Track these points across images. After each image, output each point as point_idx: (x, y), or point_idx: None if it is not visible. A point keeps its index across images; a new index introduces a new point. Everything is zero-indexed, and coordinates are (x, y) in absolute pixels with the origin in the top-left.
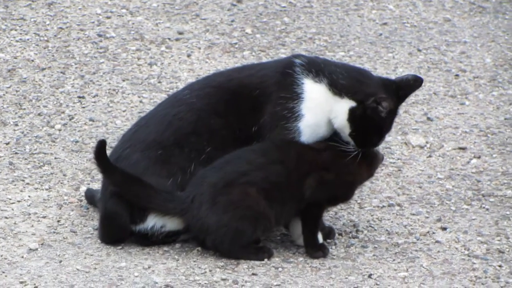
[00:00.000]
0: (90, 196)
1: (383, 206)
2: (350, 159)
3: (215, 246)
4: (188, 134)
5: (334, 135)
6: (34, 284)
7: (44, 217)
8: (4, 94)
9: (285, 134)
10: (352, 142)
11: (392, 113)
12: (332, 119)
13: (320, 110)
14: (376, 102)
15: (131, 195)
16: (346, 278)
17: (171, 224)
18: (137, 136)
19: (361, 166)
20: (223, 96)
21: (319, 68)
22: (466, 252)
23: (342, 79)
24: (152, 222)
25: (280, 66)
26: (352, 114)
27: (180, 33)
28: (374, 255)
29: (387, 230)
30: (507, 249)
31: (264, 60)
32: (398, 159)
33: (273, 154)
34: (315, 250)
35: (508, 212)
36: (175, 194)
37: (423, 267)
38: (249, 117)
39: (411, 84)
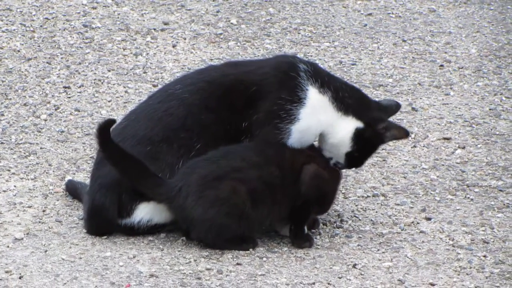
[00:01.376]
0: (72, 188)
1: (368, 196)
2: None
3: (199, 239)
4: (178, 130)
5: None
6: (20, 274)
7: (29, 206)
8: None
9: (275, 133)
10: (337, 159)
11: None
12: (327, 133)
13: (317, 120)
14: (385, 129)
15: (124, 173)
16: (331, 268)
17: (158, 217)
18: (127, 131)
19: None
20: (216, 91)
21: (324, 80)
22: (451, 242)
23: (348, 97)
24: (140, 216)
25: (282, 67)
26: (358, 135)
27: (166, 24)
28: (358, 245)
29: (371, 220)
30: (492, 239)
31: (249, 50)
32: (383, 149)
33: (269, 154)
34: (303, 241)
35: (492, 203)
36: (165, 181)
37: (408, 257)
38: (241, 113)
39: (394, 110)
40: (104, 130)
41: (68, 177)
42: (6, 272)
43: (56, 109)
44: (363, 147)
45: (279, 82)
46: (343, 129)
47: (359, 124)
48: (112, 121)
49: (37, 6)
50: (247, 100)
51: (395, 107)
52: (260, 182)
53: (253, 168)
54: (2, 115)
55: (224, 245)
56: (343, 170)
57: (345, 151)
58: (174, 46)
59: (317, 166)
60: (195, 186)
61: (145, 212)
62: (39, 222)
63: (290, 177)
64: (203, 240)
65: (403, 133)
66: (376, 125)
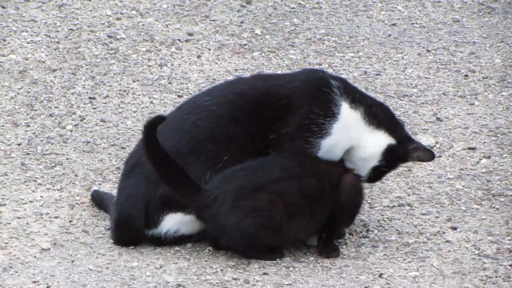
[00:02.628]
0: (97, 198)
1: (394, 206)
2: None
3: (228, 246)
4: (206, 142)
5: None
6: (47, 284)
7: (56, 217)
8: (15, 95)
9: (305, 147)
10: (360, 171)
11: None
12: (356, 147)
13: (348, 136)
14: (414, 149)
15: (162, 175)
16: (357, 277)
17: (185, 228)
18: None
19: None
20: (245, 104)
21: (355, 96)
22: (477, 252)
23: (380, 113)
24: (167, 226)
25: (314, 82)
26: (390, 151)
27: (190, 34)
28: (384, 254)
29: (397, 230)
30: None
31: (274, 61)
32: None
33: (307, 165)
34: (331, 251)
35: None
36: (201, 188)
37: (434, 266)
38: (269, 126)
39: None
40: (152, 127)
41: (94, 187)
42: (34, 282)
43: (81, 120)
44: (390, 163)
45: (312, 98)
46: (375, 143)
47: (391, 140)
48: (162, 119)
49: (61, 17)
50: (275, 113)
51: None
52: (299, 194)
53: (292, 179)
54: (28, 126)
55: (252, 254)
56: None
57: (372, 164)
58: (198, 57)
59: (354, 176)
60: (232, 195)
61: (172, 223)
62: (66, 232)
63: (328, 188)
64: (232, 247)
65: (429, 156)
66: (407, 144)
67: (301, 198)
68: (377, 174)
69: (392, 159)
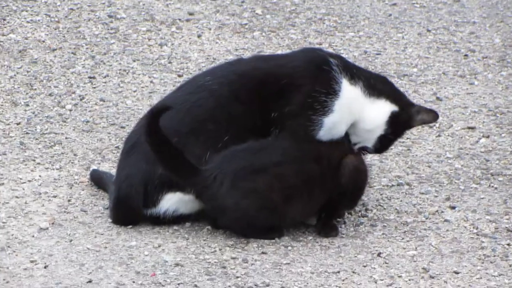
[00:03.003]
0: (96, 177)
1: (392, 185)
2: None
3: (226, 226)
4: (206, 121)
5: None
6: (45, 263)
7: (54, 196)
8: (15, 75)
9: (307, 125)
10: (366, 143)
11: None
12: (361, 119)
13: (350, 111)
14: (418, 112)
15: (161, 160)
16: (355, 256)
17: (184, 208)
18: None
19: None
20: (246, 83)
21: (353, 72)
22: (475, 231)
23: (378, 83)
24: (166, 206)
25: (315, 61)
26: (394, 118)
27: (191, 14)
28: (383, 233)
29: (396, 209)
30: None
31: (274, 40)
32: (407, 138)
33: (307, 149)
34: (330, 230)
35: None
36: (200, 170)
37: (432, 245)
38: (271, 104)
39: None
40: (157, 115)
41: (93, 167)
42: (31, 261)
43: (81, 99)
44: (395, 130)
45: (313, 76)
46: (378, 113)
47: (394, 107)
48: (167, 108)
49: None
50: (277, 92)
51: None
52: (299, 178)
53: (292, 163)
54: (27, 105)
55: (251, 234)
56: (368, 160)
57: (379, 134)
58: (199, 36)
59: (356, 159)
60: (231, 176)
61: (171, 203)
62: (64, 212)
63: (328, 172)
64: (231, 227)
65: (433, 116)
66: (410, 108)
67: (300, 182)
68: (384, 143)
69: (397, 125)
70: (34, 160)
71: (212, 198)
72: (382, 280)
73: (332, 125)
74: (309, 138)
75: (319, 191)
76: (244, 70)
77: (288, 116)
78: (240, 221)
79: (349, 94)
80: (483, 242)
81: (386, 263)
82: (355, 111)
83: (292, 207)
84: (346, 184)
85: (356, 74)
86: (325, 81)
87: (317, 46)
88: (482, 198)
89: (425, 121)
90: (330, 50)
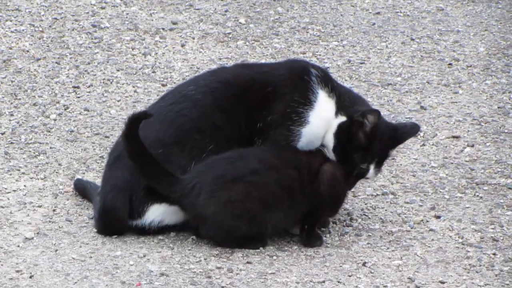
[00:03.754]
0: (80, 187)
1: (377, 195)
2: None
3: (209, 236)
4: (191, 131)
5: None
6: (30, 273)
7: (39, 206)
8: None
9: (287, 135)
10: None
11: (380, 138)
12: (326, 135)
13: (324, 124)
14: (362, 116)
15: (140, 169)
16: (341, 266)
17: (169, 218)
18: (139, 133)
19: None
20: (230, 91)
21: (332, 86)
22: (460, 240)
23: (346, 101)
24: (151, 217)
25: (297, 71)
26: (339, 129)
27: (174, 23)
28: (368, 243)
29: (381, 219)
30: (501, 237)
31: (258, 49)
32: None
33: (286, 156)
34: (315, 240)
35: (501, 200)
36: (179, 179)
37: (417, 255)
38: (256, 114)
39: (408, 130)
40: (135, 121)
41: (78, 176)
42: (17, 271)
43: (65, 109)
44: (345, 140)
45: (294, 85)
46: (332, 128)
47: (343, 119)
48: (147, 115)
49: (45, 6)
50: (262, 100)
51: (409, 127)
52: (278, 185)
53: (271, 170)
54: (12, 115)
55: (233, 244)
56: None
57: (331, 147)
58: (183, 46)
59: (333, 166)
60: (209, 185)
61: (157, 214)
62: (49, 221)
63: (307, 179)
64: (213, 238)
65: (376, 114)
66: (354, 114)
67: (279, 189)
68: (340, 155)
69: (344, 135)
70: (18, 170)
71: (191, 207)
72: None
73: (310, 136)
74: (291, 146)
75: (299, 199)
76: (227, 78)
77: (270, 125)
78: (220, 231)
79: (324, 106)
80: (468, 251)
81: (371, 272)
82: (327, 125)
83: (272, 215)
84: (324, 191)
85: (333, 88)
86: (303, 91)
87: (301, 55)
88: (467, 208)
89: (373, 122)
90: (314, 59)
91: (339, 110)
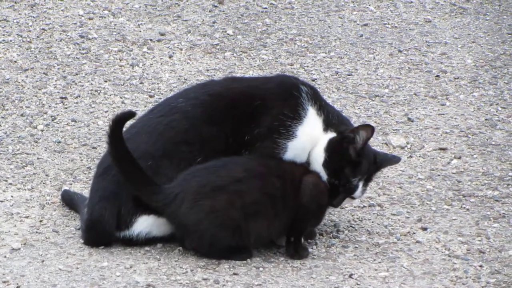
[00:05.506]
0: (67, 198)
1: (364, 206)
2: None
3: (193, 247)
4: (179, 143)
5: None
6: (17, 284)
7: (26, 217)
8: None
9: (273, 147)
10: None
11: (368, 158)
12: (311, 151)
13: (310, 139)
14: (354, 132)
15: (124, 174)
16: (327, 278)
17: (157, 230)
18: (129, 145)
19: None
20: (220, 104)
21: (321, 104)
22: (447, 252)
23: (334, 119)
24: (139, 228)
25: (287, 85)
26: (330, 143)
27: (162, 34)
28: (354, 255)
29: (367, 230)
30: (488, 249)
31: (246, 61)
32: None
33: (270, 166)
34: (302, 251)
35: (488, 213)
36: (162, 187)
37: (404, 267)
38: (244, 126)
39: (389, 158)
40: (119, 122)
41: (65, 187)
42: (4, 282)
43: (53, 120)
44: (336, 155)
45: (283, 99)
46: (320, 143)
47: (333, 134)
48: (131, 114)
49: (33, 17)
50: (251, 113)
51: (391, 157)
52: (261, 194)
53: (254, 179)
54: None
55: (218, 254)
56: None
57: (321, 162)
58: (170, 57)
59: (316, 177)
60: (192, 194)
61: (145, 225)
62: (36, 232)
63: (290, 189)
64: (196, 248)
65: (369, 130)
66: (345, 131)
67: (262, 198)
68: (330, 171)
69: (335, 150)
70: (6, 181)
71: (173, 216)
72: None
73: (296, 150)
74: (273, 156)
75: (282, 208)
76: (217, 91)
77: (257, 138)
78: (202, 241)
79: (312, 122)
80: (455, 263)
81: (357, 284)
82: (313, 141)
83: (256, 225)
84: (307, 202)
85: (322, 106)
86: (292, 106)
87: (288, 67)
88: (454, 220)
89: (366, 137)
90: (302, 71)
91: (328, 126)
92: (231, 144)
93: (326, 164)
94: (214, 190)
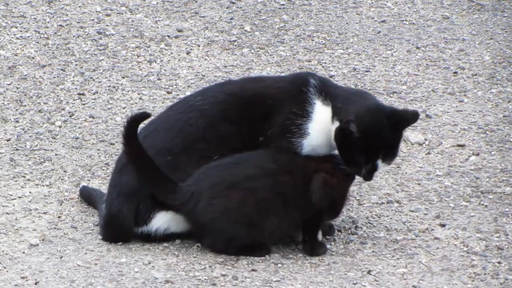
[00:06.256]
0: (86, 194)
1: (382, 203)
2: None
3: (210, 247)
4: (197, 141)
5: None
6: (35, 280)
7: (45, 213)
8: (4, 91)
9: (289, 147)
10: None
11: (375, 135)
12: (330, 141)
13: (323, 132)
14: (345, 123)
15: (140, 173)
16: (345, 274)
17: (175, 226)
18: (147, 141)
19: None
20: (236, 103)
21: (328, 92)
22: (465, 249)
23: (340, 102)
24: (157, 224)
25: (296, 82)
26: (336, 134)
27: (180, 31)
28: (373, 251)
29: (386, 227)
30: (506, 246)
31: (263, 57)
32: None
33: (283, 162)
34: (319, 248)
35: (507, 209)
36: (179, 186)
37: (422, 263)
38: (259, 126)
39: (408, 117)
40: (134, 122)
41: (83, 183)
42: (22, 278)
43: (70, 116)
44: (343, 144)
45: (292, 97)
46: (332, 133)
47: (337, 124)
48: (146, 115)
49: (51, 13)
50: (264, 113)
51: (410, 114)
52: (273, 191)
53: (266, 176)
54: (17, 121)
55: (236, 252)
56: (358, 179)
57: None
58: (188, 53)
59: (325, 173)
60: (206, 193)
61: (163, 221)
62: (55, 228)
63: (301, 187)
64: (214, 247)
65: (353, 122)
66: (342, 120)
67: (274, 195)
68: (345, 159)
69: (341, 140)
70: (24, 177)
71: (190, 215)
72: None
73: (312, 146)
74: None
75: (294, 205)
76: (233, 90)
77: (271, 138)
78: (219, 239)
79: (321, 116)
80: (473, 260)
81: (376, 280)
82: (328, 132)
83: (268, 221)
84: (316, 200)
85: (329, 94)
86: (300, 103)
87: (306, 63)
88: (472, 216)
89: (356, 129)
90: (319, 67)
91: (334, 115)
92: (247, 144)
93: (340, 154)
94: (227, 188)
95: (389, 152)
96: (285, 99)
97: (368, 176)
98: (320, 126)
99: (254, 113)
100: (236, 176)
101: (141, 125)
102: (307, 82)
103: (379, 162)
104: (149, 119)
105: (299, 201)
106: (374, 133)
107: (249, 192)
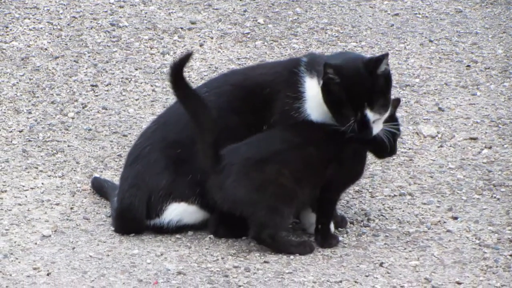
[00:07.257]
0: (98, 185)
1: (395, 195)
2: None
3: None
4: None
5: None
6: (48, 271)
7: (57, 204)
8: (17, 82)
9: None
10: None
11: (355, 81)
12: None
13: (322, 106)
14: (323, 70)
15: (192, 115)
16: (358, 266)
17: (188, 218)
18: (157, 134)
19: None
20: (239, 94)
21: (314, 63)
22: (477, 242)
23: (321, 65)
24: (169, 216)
25: (289, 65)
26: (322, 92)
27: (193, 23)
28: (385, 243)
29: (398, 219)
30: None
31: (276, 50)
32: (410, 148)
33: (307, 135)
34: (330, 240)
35: None
36: (218, 154)
37: (434, 256)
38: (262, 115)
39: (379, 56)
40: (179, 67)
41: (95, 175)
42: (34, 269)
43: (83, 107)
44: (328, 102)
45: (285, 81)
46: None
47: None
48: (188, 55)
49: (64, 5)
50: (263, 102)
51: (380, 56)
52: (301, 163)
53: (293, 149)
54: (30, 113)
55: (281, 245)
56: (370, 170)
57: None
58: (201, 45)
59: (356, 144)
60: (238, 167)
61: (175, 213)
62: (67, 219)
63: (326, 156)
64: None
65: (331, 66)
66: (319, 72)
67: (303, 166)
68: (336, 118)
69: (325, 97)
70: (36, 168)
71: (217, 187)
72: None
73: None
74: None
75: (320, 175)
76: (237, 80)
77: (275, 126)
78: (261, 215)
79: (312, 92)
80: (485, 252)
81: (388, 273)
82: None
83: (302, 191)
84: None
85: (313, 66)
86: (292, 85)
87: None
88: (485, 209)
89: (334, 73)
90: None
91: (319, 80)
92: (254, 133)
93: (331, 114)
94: (260, 162)
95: (375, 99)
96: (279, 84)
97: (362, 129)
98: (316, 102)
99: (256, 103)
100: (265, 151)
101: (152, 118)
102: (299, 62)
103: (368, 112)
104: (157, 107)
105: (323, 171)
106: (352, 77)
107: (282, 164)
